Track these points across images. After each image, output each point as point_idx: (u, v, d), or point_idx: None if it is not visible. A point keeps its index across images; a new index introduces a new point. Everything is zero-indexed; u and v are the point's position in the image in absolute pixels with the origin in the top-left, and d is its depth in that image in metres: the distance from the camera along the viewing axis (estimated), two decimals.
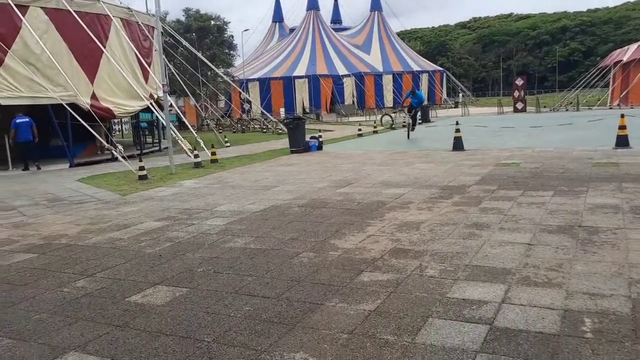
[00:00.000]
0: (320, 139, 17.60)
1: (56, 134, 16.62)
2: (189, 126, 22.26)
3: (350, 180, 10.10)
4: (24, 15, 15.19)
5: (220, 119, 38.68)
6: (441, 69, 60.53)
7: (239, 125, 35.86)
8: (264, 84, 48.35)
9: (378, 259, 5.01)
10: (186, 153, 16.61)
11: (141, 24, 20.33)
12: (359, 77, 49.26)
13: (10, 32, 15.03)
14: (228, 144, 21.80)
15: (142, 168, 12.32)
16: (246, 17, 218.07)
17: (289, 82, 48.12)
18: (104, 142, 16.56)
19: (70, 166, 16.30)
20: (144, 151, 20.58)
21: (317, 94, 47.40)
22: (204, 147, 17.15)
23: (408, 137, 18.71)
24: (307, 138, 17.17)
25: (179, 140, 17.43)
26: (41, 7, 15.68)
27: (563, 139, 15.21)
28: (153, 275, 4.97)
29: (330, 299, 4.09)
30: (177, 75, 24.89)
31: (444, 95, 57.58)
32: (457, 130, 14.32)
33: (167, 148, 15.74)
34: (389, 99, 51.54)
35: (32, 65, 15.37)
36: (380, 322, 3.60)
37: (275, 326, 3.65)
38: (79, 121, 15.25)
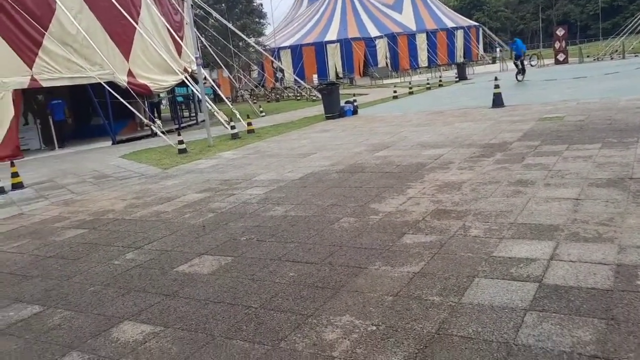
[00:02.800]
0: (355, 104, 17.40)
1: (97, 113, 17.00)
2: (224, 98, 22.35)
3: (387, 143, 9.98)
4: None
5: (254, 89, 38.68)
6: (477, 23, 58.39)
7: (273, 94, 35.76)
8: (296, 51, 47.81)
9: (420, 221, 4.96)
10: (223, 125, 16.73)
11: None
12: (392, 38, 48.05)
13: (46, 13, 15.23)
14: (263, 114, 21.82)
15: (181, 142, 12.53)
16: None
17: (320, 48, 47.41)
18: (143, 118, 16.84)
19: (112, 143, 16.69)
20: (182, 125, 20.84)
21: (350, 57, 46.57)
22: (239, 118, 17.22)
23: (517, 80, 21.40)
24: (342, 103, 17.00)
25: (215, 113, 17.54)
26: None
27: (609, 89, 14.55)
28: (198, 245, 5.07)
29: (373, 262, 4.09)
30: (209, 48, 24.90)
31: (481, 51, 55.74)
32: (496, 86, 13.89)
33: (204, 121, 15.89)
34: (423, 58, 50.22)
35: (69, 45, 15.61)
36: (425, 284, 3.58)
37: (320, 291, 3.68)
38: (118, 99, 15.52)
